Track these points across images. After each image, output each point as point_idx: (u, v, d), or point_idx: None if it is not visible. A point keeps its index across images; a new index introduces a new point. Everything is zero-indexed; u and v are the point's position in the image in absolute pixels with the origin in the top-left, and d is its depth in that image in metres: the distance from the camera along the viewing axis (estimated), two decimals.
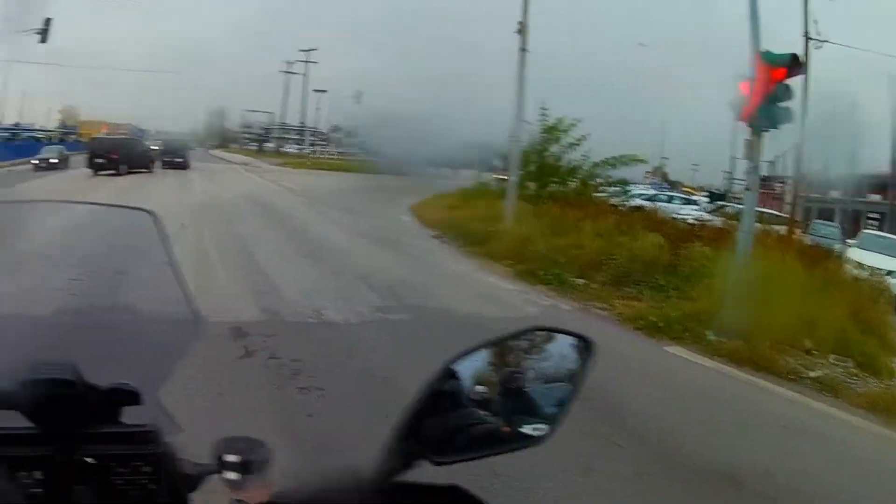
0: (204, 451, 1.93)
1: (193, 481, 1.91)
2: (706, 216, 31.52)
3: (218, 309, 12.21)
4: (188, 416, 7.08)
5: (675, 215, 30.06)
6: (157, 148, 52.38)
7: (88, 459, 1.82)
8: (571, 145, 31.20)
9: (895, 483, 9.35)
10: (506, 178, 30.56)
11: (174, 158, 50.37)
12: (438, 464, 1.81)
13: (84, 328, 2.40)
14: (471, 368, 1.92)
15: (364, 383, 9.91)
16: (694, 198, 45.53)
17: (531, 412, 1.94)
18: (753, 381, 12.98)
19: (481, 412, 1.91)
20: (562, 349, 2.04)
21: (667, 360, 13.66)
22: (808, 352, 14.97)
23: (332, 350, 11.22)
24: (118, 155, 44.45)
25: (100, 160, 44.22)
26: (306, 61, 62.97)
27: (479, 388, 1.92)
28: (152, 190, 36.23)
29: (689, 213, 32.84)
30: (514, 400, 1.95)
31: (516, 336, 2.00)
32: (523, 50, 27.42)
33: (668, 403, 10.74)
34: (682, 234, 23.11)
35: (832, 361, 14.59)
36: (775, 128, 15.33)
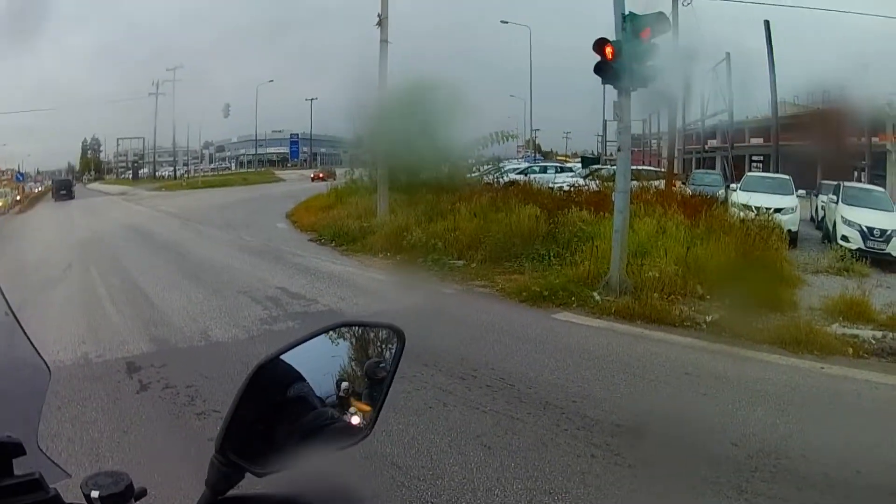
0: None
1: None
2: (581, 181, 31.63)
3: (111, 346, 12.20)
4: (97, 458, 7.17)
5: (550, 185, 30.03)
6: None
7: None
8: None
9: (816, 411, 9.64)
10: None
11: (63, 192, 56.95)
12: (260, 475, 1.86)
13: None
14: (317, 367, 1.98)
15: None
16: (569, 165, 45.56)
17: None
18: (647, 333, 13.20)
19: (345, 409, 1.98)
20: (376, 341, 2.13)
21: (556, 326, 13.74)
22: (701, 297, 15.27)
23: (222, 371, 10.88)
24: (68, 188, 56.70)
25: (63, 191, 55.75)
26: (174, 80, 61.39)
27: (345, 385, 2.00)
28: (36, 231, 35.71)
29: (565, 181, 32.79)
30: (380, 390, 2.02)
31: (323, 332, 2.06)
32: (384, 41, 27.52)
33: (562, 369, 10.75)
34: (559, 202, 23.27)
35: (728, 303, 14.81)
36: (643, 86, 15.48)
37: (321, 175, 49.80)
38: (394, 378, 2.06)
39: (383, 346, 2.12)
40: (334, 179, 40.36)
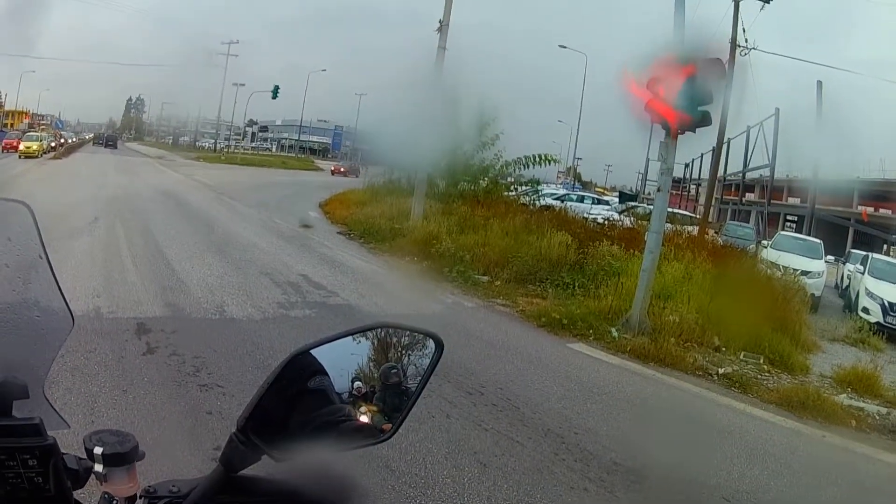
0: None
1: (80, 477, 1.89)
2: (616, 216, 31.61)
3: (124, 305, 12.26)
4: (91, 412, 7.16)
5: (585, 215, 30.07)
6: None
7: None
8: (484, 144, 30.95)
9: (811, 478, 9.59)
10: None
11: (109, 143, 69.60)
12: (279, 460, 1.83)
13: None
14: (337, 364, 1.94)
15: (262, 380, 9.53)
16: (606, 198, 45.55)
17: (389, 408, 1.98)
18: (659, 377, 13.16)
19: (355, 408, 1.94)
20: (411, 347, 2.06)
21: (569, 355, 13.66)
22: (717, 349, 15.21)
23: (232, 347, 10.98)
24: (114, 141, 71.55)
25: (109, 142, 71.05)
26: (227, 54, 61.70)
27: (358, 384, 1.95)
28: (67, 180, 35.83)
29: (600, 213, 32.87)
30: (392, 395, 1.98)
31: (361, 331, 2.00)
32: (442, 48, 27.51)
33: (569, 399, 10.74)
34: (591, 233, 23.24)
35: (742, 358, 14.84)
36: (692, 130, 15.40)
37: (342, 169, 50.01)
38: (424, 388, 2.01)
39: (403, 351, 2.07)
40: (356, 176, 40.76)
